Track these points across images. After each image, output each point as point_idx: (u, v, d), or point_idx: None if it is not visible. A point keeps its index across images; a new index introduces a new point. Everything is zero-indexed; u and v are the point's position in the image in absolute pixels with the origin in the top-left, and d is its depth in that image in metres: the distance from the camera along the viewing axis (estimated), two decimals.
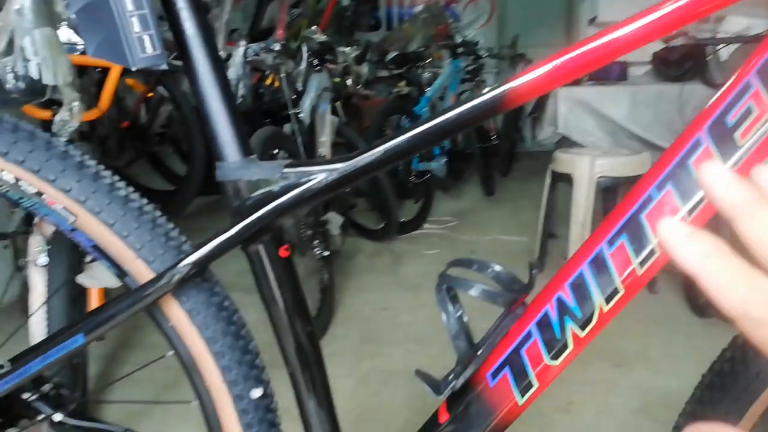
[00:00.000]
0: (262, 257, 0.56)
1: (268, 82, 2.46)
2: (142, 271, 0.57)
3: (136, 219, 0.58)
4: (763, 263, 0.20)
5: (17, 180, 0.58)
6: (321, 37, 2.46)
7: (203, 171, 2.51)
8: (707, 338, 1.70)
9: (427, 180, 3.22)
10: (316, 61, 2.44)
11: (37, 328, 1.26)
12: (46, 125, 1.42)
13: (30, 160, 0.57)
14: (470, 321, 0.53)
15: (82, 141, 2.45)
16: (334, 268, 2.11)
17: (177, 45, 0.52)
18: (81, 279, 1.32)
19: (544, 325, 0.48)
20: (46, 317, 1.25)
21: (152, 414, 1.50)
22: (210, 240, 0.54)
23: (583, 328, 0.47)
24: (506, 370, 0.50)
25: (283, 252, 0.57)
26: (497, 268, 0.53)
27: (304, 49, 2.33)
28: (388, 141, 0.51)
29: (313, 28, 2.49)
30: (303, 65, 2.42)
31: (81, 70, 2.10)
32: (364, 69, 3.49)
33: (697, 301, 1.91)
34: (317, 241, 1.96)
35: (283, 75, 2.24)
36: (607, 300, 0.47)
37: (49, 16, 1.19)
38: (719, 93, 0.43)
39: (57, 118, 1.38)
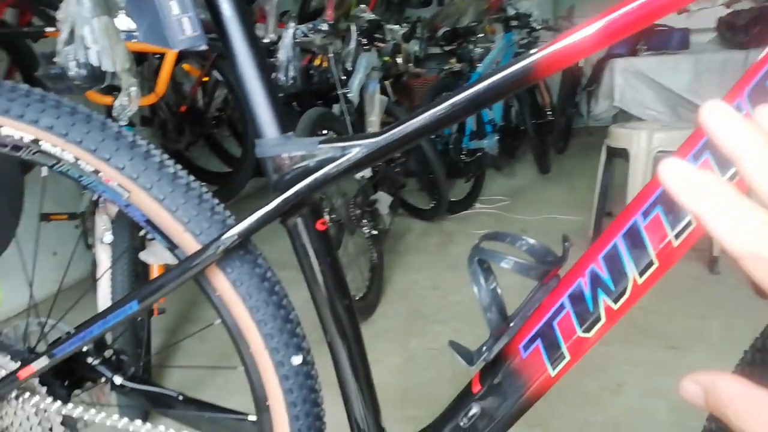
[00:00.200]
0: (300, 230, 0.58)
1: (317, 63, 2.48)
2: (190, 244, 0.60)
3: (184, 194, 0.61)
4: (767, 201, 0.20)
5: (77, 159, 0.62)
6: (370, 16, 2.45)
7: None
8: None
9: (479, 158, 3.17)
10: (364, 40, 2.45)
11: (103, 302, 1.35)
12: (109, 111, 1.50)
13: (87, 140, 0.61)
14: (507, 297, 0.53)
15: (144, 126, 2.57)
16: (384, 247, 2.14)
17: (215, 26, 0.54)
18: (143, 256, 1.39)
19: (576, 297, 0.48)
20: (110, 291, 1.33)
21: (212, 382, 1.58)
22: (251, 214, 0.56)
23: (616, 301, 0.47)
24: (538, 342, 0.50)
25: (320, 225, 0.59)
26: (531, 241, 0.53)
27: (353, 28, 2.34)
28: (420, 114, 0.52)
29: (362, 6, 2.48)
30: (352, 45, 2.43)
31: (140, 57, 2.19)
32: (414, 47, 3.46)
33: None
34: (366, 220, 1.98)
35: (331, 55, 2.26)
36: (641, 273, 0.46)
37: (106, 6, 1.25)
38: (761, 56, 0.41)
39: (116, 103, 1.45)
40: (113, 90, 1.52)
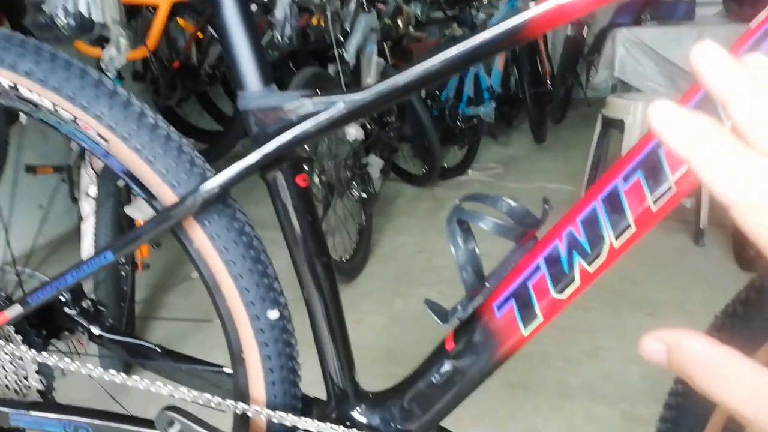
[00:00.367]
0: (279, 185, 0.57)
1: (315, 21, 2.43)
2: (168, 195, 0.59)
3: (163, 145, 0.60)
4: (757, 146, 0.19)
5: (54, 106, 0.61)
6: None
7: None
8: None
9: (475, 125, 3.15)
10: (364, 1, 2.39)
11: (87, 255, 1.35)
12: (99, 63, 1.47)
13: (65, 87, 0.60)
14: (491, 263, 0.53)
15: (136, 80, 2.52)
16: (373, 210, 2.13)
17: None
18: (128, 210, 1.38)
19: (552, 259, 0.48)
20: (94, 245, 1.32)
21: (194, 337, 1.59)
22: (230, 166, 0.55)
23: (591, 263, 0.46)
24: (512, 302, 0.50)
25: (300, 181, 0.58)
26: (511, 202, 0.52)
27: None
28: (404, 71, 0.50)
29: None
30: (352, 5, 2.38)
31: (134, 10, 2.14)
32: (416, 9, 3.40)
33: (744, 256, 1.83)
34: (356, 183, 1.97)
35: (329, 14, 2.21)
36: (618, 236, 0.45)
37: None
38: (756, 20, 0.40)
39: (105, 54, 1.42)
40: (103, 41, 1.49)
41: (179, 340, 1.61)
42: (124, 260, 1.44)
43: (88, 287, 0.75)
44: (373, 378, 0.69)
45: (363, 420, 0.63)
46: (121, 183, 1.40)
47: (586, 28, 4.13)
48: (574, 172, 2.80)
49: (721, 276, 1.83)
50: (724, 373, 0.19)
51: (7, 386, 0.70)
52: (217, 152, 2.51)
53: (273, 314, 0.59)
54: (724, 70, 0.20)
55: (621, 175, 0.46)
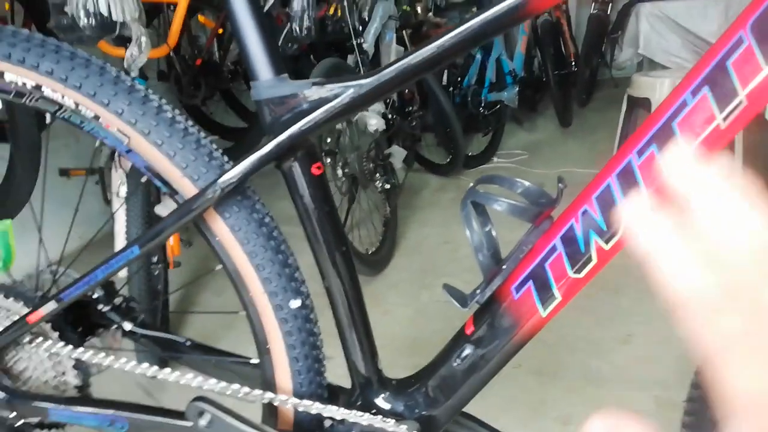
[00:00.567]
0: (295, 174, 0.58)
1: (332, 11, 2.42)
2: (188, 188, 0.60)
3: (182, 139, 0.61)
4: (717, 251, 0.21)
5: (77, 105, 0.62)
6: None
7: None
8: None
9: (498, 111, 3.11)
10: None
11: None
12: (123, 64, 1.50)
13: (86, 85, 0.61)
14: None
15: (160, 80, 2.56)
16: (398, 201, 2.13)
17: None
18: (158, 209, 1.42)
19: (568, 238, 0.48)
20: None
21: (226, 335, 1.62)
22: (246, 157, 0.56)
23: (607, 241, 0.46)
24: (530, 284, 0.50)
25: (315, 170, 0.58)
26: (526, 183, 0.52)
27: None
28: (412, 54, 0.50)
29: None
30: None
31: (155, 9, 2.17)
32: None
33: None
34: (379, 174, 1.97)
35: (345, 3, 2.20)
36: None
37: None
38: None
39: (127, 53, 1.45)
40: (125, 41, 1.51)
41: (213, 337, 1.64)
42: (156, 259, 1.48)
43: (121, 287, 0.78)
44: (399, 368, 0.69)
45: (387, 407, 0.63)
46: (146, 180, 1.42)
47: (610, 5, 4.03)
48: (601, 155, 2.74)
49: None
50: None
51: (46, 382, 0.72)
52: (243, 148, 2.54)
53: (295, 303, 0.60)
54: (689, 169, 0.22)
55: (635, 149, 0.45)
